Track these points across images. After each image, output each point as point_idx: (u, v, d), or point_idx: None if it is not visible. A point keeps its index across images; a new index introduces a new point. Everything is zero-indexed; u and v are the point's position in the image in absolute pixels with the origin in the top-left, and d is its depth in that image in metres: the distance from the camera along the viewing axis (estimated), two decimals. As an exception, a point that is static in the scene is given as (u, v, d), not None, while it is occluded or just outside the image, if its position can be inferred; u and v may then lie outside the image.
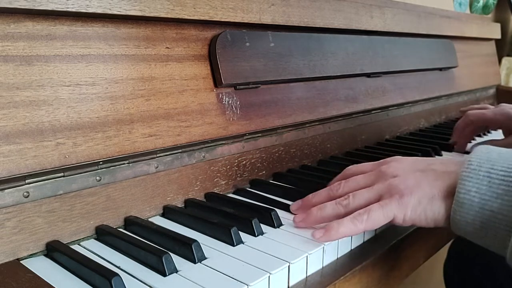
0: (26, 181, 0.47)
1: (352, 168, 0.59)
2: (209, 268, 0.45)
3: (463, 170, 0.46)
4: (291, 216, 0.58)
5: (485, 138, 1.06)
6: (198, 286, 0.42)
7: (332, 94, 0.84)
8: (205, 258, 0.47)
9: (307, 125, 0.80)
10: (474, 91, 1.41)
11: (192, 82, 0.61)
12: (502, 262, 0.44)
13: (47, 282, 0.42)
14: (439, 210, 0.48)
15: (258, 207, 0.59)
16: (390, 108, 1.01)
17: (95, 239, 0.53)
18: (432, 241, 0.66)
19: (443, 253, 0.91)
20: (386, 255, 0.54)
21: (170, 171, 0.60)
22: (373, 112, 0.96)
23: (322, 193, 0.56)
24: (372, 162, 0.58)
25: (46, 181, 0.49)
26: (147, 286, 0.42)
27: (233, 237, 0.50)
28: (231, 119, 0.65)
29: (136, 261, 0.47)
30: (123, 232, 0.53)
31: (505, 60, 1.75)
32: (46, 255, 0.49)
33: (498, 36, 1.57)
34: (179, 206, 0.61)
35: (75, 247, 0.50)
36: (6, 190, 0.46)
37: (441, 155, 0.88)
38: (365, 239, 0.56)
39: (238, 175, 0.68)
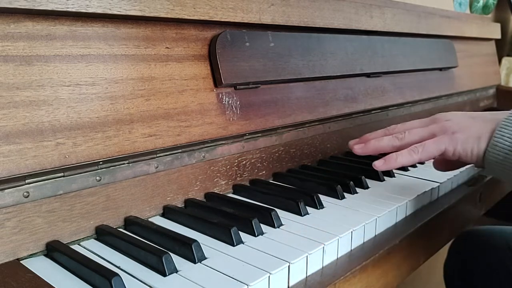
0: (26, 181, 0.47)
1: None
2: (209, 268, 0.45)
3: (503, 119, 0.54)
4: (291, 216, 0.58)
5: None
6: (198, 286, 0.42)
7: (331, 94, 0.84)
8: (205, 258, 0.47)
9: (307, 125, 0.80)
10: (474, 91, 1.41)
11: (192, 82, 0.61)
12: (502, 262, 0.45)
13: (47, 282, 0.42)
14: (482, 148, 0.55)
15: (258, 207, 0.59)
16: (390, 108, 1.01)
17: (95, 239, 0.53)
18: (432, 241, 0.66)
19: (443, 253, 0.91)
20: (386, 255, 0.54)
21: (170, 171, 0.60)
22: (372, 112, 0.96)
23: (379, 132, 0.64)
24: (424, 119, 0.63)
25: (46, 181, 0.49)
26: (147, 286, 0.42)
27: (233, 237, 0.50)
28: (231, 119, 0.65)
29: (136, 261, 0.47)
30: (123, 232, 0.53)
31: (505, 60, 1.75)
32: (46, 255, 0.49)
33: (498, 36, 1.57)
34: (179, 206, 0.61)
35: (75, 247, 0.50)
36: (6, 190, 0.46)
37: None
38: (365, 240, 0.56)
39: (238, 175, 0.68)
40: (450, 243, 0.93)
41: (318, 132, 0.83)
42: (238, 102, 0.67)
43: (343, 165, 0.80)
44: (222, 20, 0.64)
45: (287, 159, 0.77)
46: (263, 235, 0.53)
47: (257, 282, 0.42)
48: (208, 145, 0.64)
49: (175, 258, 0.46)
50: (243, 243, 0.50)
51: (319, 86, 0.82)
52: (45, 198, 0.49)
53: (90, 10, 0.50)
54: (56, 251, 0.48)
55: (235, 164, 0.68)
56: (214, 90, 0.64)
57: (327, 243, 0.50)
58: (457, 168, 0.64)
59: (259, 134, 0.71)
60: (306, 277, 0.48)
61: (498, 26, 1.58)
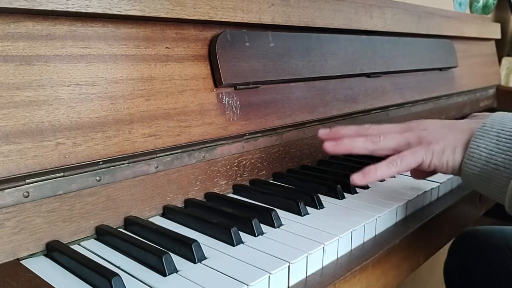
0: (26, 181, 0.47)
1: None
2: (209, 268, 0.45)
3: (478, 129, 0.53)
4: (291, 216, 0.58)
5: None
6: (198, 286, 0.42)
7: (331, 94, 0.84)
8: (205, 258, 0.47)
9: (307, 125, 0.80)
10: (474, 91, 1.41)
11: (192, 82, 0.61)
12: (502, 262, 0.45)
13: (47, 282, 0.42)
14: (458, 160, 0.54)
15: (258, 207, 0.59)
16: (390, 108, 1.01)
17: (95, 239, 0.53)
18: (432, 241, 0.66)
19: (443, 253, 0.91)
20: (385, 255, 0.54)
21: (170, 171, 0.60)
22: (373, 112, 0.96)
23: (351, 127, 0.61)
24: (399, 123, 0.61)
25: (46, 181, 0.49)
26: (147, 286, 0.42)
27: (233, 237, 0.50)
28: (231, 119, 0.65)
29: (136, 261, 0.47)
30: (123, 232, 0.53)
31: (505, 60, 1.75)
32: (46, 255, 0.49)
33: (498, 36, 1.57)
34: (179, 206, 0.61)
35: (75, 247, 0.50)
36: (6, 190, 0.46)
37: None
38: (365, 240, 0.56)
39: (238, 175, 0.68)
40: (450, 243, 0.93)
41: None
42: (238, 102, 0.67)
43: (343, 165, 0.80)
44: (222, 20, 0.64)
45: (287, 159, 0.77)
46: (263, 235, 0.53)
47: (257, 282, 0.42)
48: (208, 145, 0.64)
49: (175, 258, 0.46)
50: (243, 243, 0.50)
51: (319, 86, 0.82)
52: (45, 198, 0.49)
53: (90, 10, 0.50)
54: (56, 251, 0.48)
55: (235, 164, 0.68)
56: (214, 90, 0.64)
57: (327, 243, 0.50)
58: (433, 175, 0.63)
59: (259, 134, 0.71)
60: (306, 277, 0.48)
61: (498, 26, 1.58)
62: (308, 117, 0.78)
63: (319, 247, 0.49)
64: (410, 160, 0.55)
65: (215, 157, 0.65)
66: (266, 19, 0.70)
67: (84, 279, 0.43)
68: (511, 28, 1.85)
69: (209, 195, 0.64)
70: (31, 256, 0.48)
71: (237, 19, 0.66)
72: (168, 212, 0.59)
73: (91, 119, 0.51)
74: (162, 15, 0.57)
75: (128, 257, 0.48)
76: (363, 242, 0.56)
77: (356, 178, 0.55)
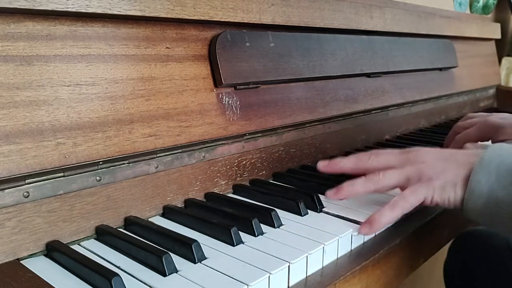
0: (26, 181, 0.47)
1: (379, 151, 0.60)
2: (209, 268, 0.45)
3: (476, 164, 0.52)
4: (291, 216, 0.58)
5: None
6: (198, 286, 0.42)
7: (331, 94, 0.84)
8: (205, 258, 0.47)
9: (307, 125, 0.80)
10: (474, 91, 1.41)
11: (192, 82, 0.61)
12: (502, 262, 0.45)
13: (47, 282, 0.42)
14: (460, 196, 0.53)
15: (258, 207, 0.59)
16: (390, 108, 1.01)
17: (95, 239, 0.53)
18: (432, 241, 0.66)
19: (443, 253, 0.91)
20: (385, 255, 0.54)
21: (170, 171, 0.60)
22: (373, 112, 0.96)
23: (350, 159, 0.60)
24: (397, 150, 0.60)
25: (46, 181, 0.49)
26: (147, 286, 0.42)
27: (233, 237, 0.50)
28: (231, 119, 0.65)
29: (136, 261, 0.47)
30: (123, 232, 0.53)
31: (505, 60, 1.75)
32: (46, 255, 0.49)
33: (498, 36, 1.57)
34: (179, 206, 0.61)
35: (75, 247, 0.50)
36: (6, 190, 0.46)
37: None
38: (365, 239, 0.56)
39: (238, 175, 0.68)
40: (450, 243, 0.93)
41: (318, 132, 0.83)
42: (238, 102, 0.67)
43: (343, 165, 0.80)
44: (222, 20, 0.64)
45: (287, 159, 0.77)
46: (263, 235, 0.53)
47: (257, 282, 0.42)
48: (208, 145, 0.64)
49: (175, 258, 0.46)
50: (243, 243, 0.50)
51: (319, 86, 0.82)
52: (45, 198, 0.49)
53: (90, 10, 0.50)
54: (56, 251, 0.48)
55: (235, 164, 0.68)
56: (214, 90, 0.64)
57: (327, 243, 0.50)
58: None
59: (259, 134, 0.71)
60: (306, 277, 0.48)
61: (498, 26, 1.58)
62: (308, 117, 0.78)
63: (319, 247, 0.49)
64: (413, 200, 0.54)
65: (215, 157, 0.65)
66: (266, 19, 0.70)
67: (84, 279, 0.43)
68: (511, 28, 1.85)
69: (209, 195, 0.64)
70: (31, 256, 0.48)
71: (237, 19, 0.66)
72: (168, 212, 0.59)
73: (91, 119, 0.51)
74: (162, 15, 0.57)
75: (128, 257, 0.48)
76: (363, 242, 0.56)
77: (363, 230, 0.54)
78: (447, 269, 0.97)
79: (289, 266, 0.45)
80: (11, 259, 0.46)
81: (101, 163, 0.53)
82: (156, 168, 0.58)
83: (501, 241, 0.87)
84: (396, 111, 1.04)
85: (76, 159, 0.49)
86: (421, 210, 0.66)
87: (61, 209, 0.50)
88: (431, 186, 0.54)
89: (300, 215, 0.58)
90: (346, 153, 0.88)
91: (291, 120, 0.75)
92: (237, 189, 0.68)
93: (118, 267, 0.46)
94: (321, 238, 0.51)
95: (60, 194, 0.50)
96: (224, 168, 0.66)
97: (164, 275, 0.44)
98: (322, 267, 0.50)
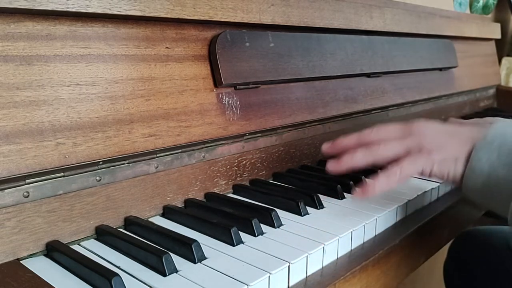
0: (26, 181, 0.47)
1: (381, 126, 0.60)
2: (209, 268, 0.45)
3: (479, 141, 0.51)
4: (291, 216, 0.58)
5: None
6: (198, 286, 0.42)
7: (331, 94, 0.84)
8: (205, 258, 0.47)
9: (307, 125, 0.80)
10: (474, 91, 1.41)
11: (192, 82, 0.61)
12: (502, 262, 0.45)
13: (47, 282, 0.42)
14: (460, 172, 0.53)
15: (258, 207, 0.59)
16: (390, 108, 1.01)
17: (95, 239, 0.53)
18: (432, 241, 0.66)
19: (443, 253, 0.91)
20: (385, 255, 0.54)
21: (170, 171, 0.60)
22: (372, 112, 0.96)
23: (352, 136, 0.60)
24: (400, 124, 0.59)
25: (46, 181, 0.49)
26: (147, 286, 0.42)
27: (233, 237, 0.50)
28: (231, 119, 0.65)
29: (136, 261, 0.47)
30: (123, 232, 0.53)
31: (505, 60, 1.75)
32: (46, 255, 0.49)
33: (498, 36, 1.57)
34: (179, 206, 0.61)
35: (75, 247, 0.50)
36: (6, 190, 0.46)
37: None
38: (365, 240, 0.56)
39: (238, 175, 0.68)
40: (450, 243, 0.93)
41: (318, 132, 0.83)
42: (238, 102, 0.67)
43: (343, 165, 0.80)
44: (222, 20, 0.64)
45: (287, 159, 0.77)
46: (263, 235, 0.53)
47: (257, 282, 0.42)
48: (208, 145, 0.64)
49: (175, 258, 0.46)
50: (243, 243, 0.50)
51: (319, 86, 0.82)
52: (45, 198, 0.49)
53: (90, 10, 0.50)
54: (56, 251, 0.48)
55: (235, 164, 0.68)
56: (214, 90, 0.64)
57: (327, 243, 0.50)
58: None
59: (259, 134, 0.71)
60: (306, 277, 0.48)
61: (498, 26, 1.58)
62: (308, 117, 0.78)
63: (319, 247, 0.49)
64: (410, 169, 0.54)
65: (215, 157, 0.65)
66: (266, 19, 0.70)
67: (84, 279, 0.43)
68: (511, 28, 1.85)
69: (209, 195, 0.64)
70: (31, 256, 0.48)
71: (237, 19, 0.66)
72: (168, 212, 0.59)
73: (91, 119, 0.51)
74: (162, 15, 0.57)
75: (128, 257, 0.48)
76: (363, 242, 0.56)
77: (358, 194, 0.55)
78: (447, 269, 0.97)
79: (289, 266, 0.45)
80: (11, 259, 0.46)
81: (101, 163, 0.53)
82: (156, 168, 0.58)
83: (501, 241, 0.87)
84: (396, 111, 1.04)
85: (76, 159, 0.49)
86: (421, 210, 0.66)
87: (61, 209, 0.50)
88: (431, 159, 0.54)
89: (300, 215, 0.58)
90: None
91: (291, 120, 0.75)
92: (237, 189, 0.68)
93: (118, 267, 0.46)
94: (321, 238, 0.51)
95: (60, 194, 0.50)
96: (224, 168, 0.66)
97: (164, 275, 0.44)
98: (322, 267, 0.50)
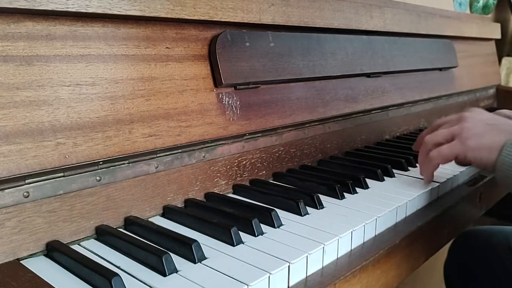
0: (26, 181, 0.47)
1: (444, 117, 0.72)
2: (209, 268, 0.45)
3: (510, 139, 0.57)
4: (291, 216, 0.58)
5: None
6: (198, 286, 0.42)
7: (331, 94, 0.84)
8: (205, 258, 0.47)
9: (307, 125, 0.80)
10: (474, 91, 1.41)
11: (192, 82, 0.61)
12: (502, 262, 0.45)
13: (47, 282, 0.42)
14: (492, 160, 0.58)
15: (258, 207, 0.59)
16: (390, 108, 1.01)
17: (95, 239, 0.53)
18: (432, 241, 0.66)
19: (443, 253, 0.91)
20: (385, 255, 0.54)
21: (170, 171, 0.60)
22: (372, 112, 0.96)
23: (427, 130, 0.72)
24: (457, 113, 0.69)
25: (46, 181, 0.49)
26: (147, 286, 0.42)
27: (233, 237, 0.50)
28: (231, 119, 0.65)
29: (136, 261, 0.47)
30: (123, 232, 0.53)
31: (505, 60, 1.75)
32: (46, 255, 0.49)
33: (498, 36, 1.57)
34: (179, 206, 0.61)
35: (75, 247, 0.50)
36: (6, 190, 0.46)
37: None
38: (365, 240, 0.56)
39: (238, 175, 0.68)
40: (450, 243, 0.93)
41: (318, 132, 0.83)
42: (238, 102, 0.67)
43: (343, 165, 0.80)
44: (222, 20, 0.64)
45: (287, 159, 0.77)
46: (263, 235, 0.53)
47: (257, 282, 0.42)
48: (208, 145, 0.64)
49: (175, 258, 0.46)
50: (243, 243, 0.50)
51: (319, 86, 0.82)
52: (45, 198, 0.49)
53: (90, 10, 0.50)
54: (56, 251, 0.48)
55: (235, 164, 0.68)
56: (214, 90, 0.64)
57: (327, 243, 0.50)
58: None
59: (259, 134, 0.71)
60: (306, 277, 0.48)
61: (498, 26, 1.58)
62: (308, 117, 0.78)
63: (319, 247, 0.49)
64: (447, 153, 0.62)
65: (215, 157, 0.65)
66: (266, 19, 0.70)
67: (84, 279, 0.43)
68: (511, 28, 1.85)
69: (209, 195, 0.64)
70: (31, 256, 0.48)
71: (237, 19, 0.66)
72: (168, 212, 0.59)
73: (91, 119, 0.51)
74: (162, 15, 0.57)
75: (128, 257, 0.48)
76: (363, 242, 0.56)
77: (426, 180, 0.68)
78: (447, 269, 0.97)
79: (289, 266, 0.45)
80: (11, 259, 0.46)
81: (101, 163, 0.53)
82: (156, 168, 0.58)
83: (501, 241, 0.87)
84: (396, 111, 1.04)
85: (76, 159, 0.49)
86: (421, 210, 0.66)
87: (61, 209, 0.50)
88: (465, 145, 0.61)
89: (300, 215, 0.58)
90: (346, 153, 0.88)
91: (291, 120, 0.75)
92: (237, 189, 0.68)
93: (118, 267, 0.46)
94: (321, 238, 0.51)
95: (60, 194, 0.50)
96: (224, 168, 0.66)
97: (164, 275, 0.44)
98: (322, 267, 0.50)
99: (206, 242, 0.50)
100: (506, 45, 1.83)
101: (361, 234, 0.55)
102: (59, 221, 0.50)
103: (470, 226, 0.93)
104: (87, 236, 0.52)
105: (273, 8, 0.71)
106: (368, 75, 0.93)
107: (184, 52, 0.61)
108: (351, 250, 0.54)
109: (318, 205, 0.61)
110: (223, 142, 0.66)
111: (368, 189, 0.69)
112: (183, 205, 0.62)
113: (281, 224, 0.55)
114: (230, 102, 0.66)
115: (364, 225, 0.55)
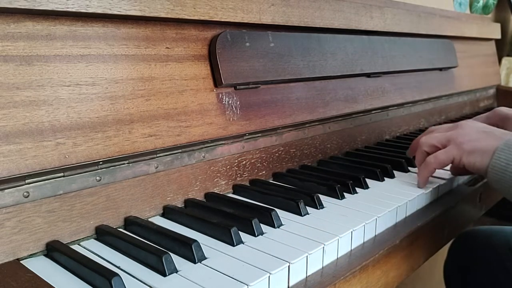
0: (26, 181, 0.47)
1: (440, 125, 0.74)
2: (209, 268, 0.45)
3: (505, 142, 0.58)
4: (291, 216, 0.58)
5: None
6: (198, 286, 0.42)
7: (331, 94, 0.84)
8: (205, 258, 0.47)
9: (307, 125, 0.80)
10: (474, 91, 1.41)
11: (192, 82, 0.61)
12: (502, 262, 0.45)
13: (47, 282, 0.42)
14: (485, 164, 0.60)
15: (258, 207, 0.59)
16: (390, 108, 1.01)
17: (95, 239, 0.53)
18: (432, 241, 0.66)
19: (443, 253, 0.91)
20: (385, 255, 0.54)
21: (170, 171, 0.60)
22: (372, 112, 0.96)
23: (421, 135, 0.73)
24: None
25: (46, 181, 0.49)
26: (147, 286, 0.42)
27: (233, 237, 0.50)
28: (231, 119, 0.65)
29: (136, 261, 0.47)
30: (123, 232, 0.53)
31: (505, 60, 1.75)
32: (46, 255, 0.49)
33: (498, 36, 1.57)
34: (179, 206, 0.61)
35: (75, 247, 0.50)
36: (6, 190, 0.46)
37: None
38: (365, 240, 0.56)
39: (238, 175, 0.68)
40: (450, 243, 0.93)
41: (318, 132, 0.83)
42: (238, 102, 0.67)
43: (343, 165, 0.80)
44: (222, 20, 0.64)
45: (287, 159, 0.77)
46: (263, 235, 0.53)
47: (257, 282, 0.42)
48: (208, 145, 0.64)
49: (175, 258, 0.46)
50: (243, 243, 0.50)
51: (319, 86, 0.82)
52: (45, 198, 0.49)
53: (90, 10, 0.50)
54: (56, 251, 0.48)
55: (235, 164, 0.68)
56: (214, 90, 0.64)
57: (327, 243, 0.50)
58: (470, 174, 0.71)
59: (259, 134, 0.71)
60: (306, 277, 0.48)
61: (498, 26, 1.58)
62: (308, 117, 0.78)
63: (319, 247, 0.49)
64: (443, 157, 0.64)
65: (215, 157, 0.65)
66: (266, 19, 0.70)
67: (84, 279, 0.43)
68: (511, 28, 1.85)
69: (209, 195, 0.64)
70: (31, 256, 0.48)
71: (237, 19, 0.66)
72: (168, 212, 0.59)
73: (91, 119, 0.51)
74: (162, 15, 0.57)
75: (128, 257, 0.48)
76: (363, 242, 0.56)
77: (420, 185, 0.68)
78: (447, 269, 0.97)
79: (289, 266, 0.45)
80: (11, 259, 0.46)
81: (101, 163, 0.53)
82: (156, 168, 0.58)
83: (501, 241, 0.87)
84: (396, 111, 1.04)
85: (76, 159, 0.49)
86: (421, 210, 0.66)
87: (61, 209, 0.50)
88: (461, 149, 0.62)
89: (300, 215, 0.58)
90: (346, 153, 0.88)
91: (291, 120, 0.75)
92: (237, 189, 0.68)
93: (118, 267, 0.46)
94: (321, 238, 0.51)
95: (60, 194, 0.50)
96: (224, 168, 0.66)
97: (164, 275, 0.44)
98: (322, 267, 0.50)
99: (206, 242, 0.50)
100: (506, 45, 1.83)
101: (361, 234, 0.55)
102: (59, 221, 0.50)
103: (470, 226, 0.93)
104: (87, 236, 0.52)
105: (273, 8, 0.71)
106: (368, 75, 0.93)
107: (184, 52, 0.61)
108: (351, 250, 0.54)
109: (318, 205, 0.61)
110: (223, 142, 0.66)
111: (368, 189, 0.69)
112: (183, 205, 0.62)
113: (281, 224, 0.55)
114: (230, 102, 0.66)
115: (364, 225, 0.55)
